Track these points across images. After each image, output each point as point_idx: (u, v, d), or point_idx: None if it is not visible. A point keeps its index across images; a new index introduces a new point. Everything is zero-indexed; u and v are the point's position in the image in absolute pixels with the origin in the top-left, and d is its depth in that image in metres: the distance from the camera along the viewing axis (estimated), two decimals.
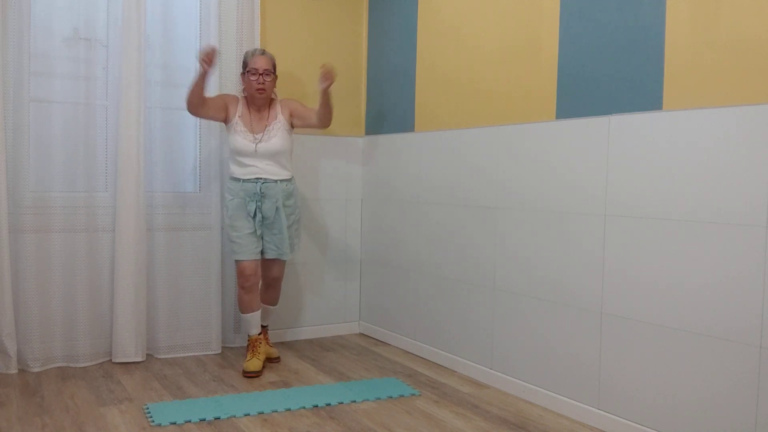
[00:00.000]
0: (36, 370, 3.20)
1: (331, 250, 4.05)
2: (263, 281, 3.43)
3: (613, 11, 2.53)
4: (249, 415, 2.68)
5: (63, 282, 3.26)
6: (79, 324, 3.29)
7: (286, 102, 3.41)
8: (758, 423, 2.09)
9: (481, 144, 3.17)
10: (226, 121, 3.32)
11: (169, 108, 3.49)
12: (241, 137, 3.25)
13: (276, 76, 3.34)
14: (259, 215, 3.25)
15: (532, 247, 2.89)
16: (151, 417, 2.62)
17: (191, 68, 3.60)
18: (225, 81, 3.56)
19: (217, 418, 2.64)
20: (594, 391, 2.63)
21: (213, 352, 3.60)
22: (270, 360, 3.44)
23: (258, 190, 3.23)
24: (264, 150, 3.25)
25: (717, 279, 2.19)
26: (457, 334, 3.35)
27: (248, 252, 3.26)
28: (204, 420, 2.62)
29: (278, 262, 3.40)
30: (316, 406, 2.80)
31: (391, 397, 2.93)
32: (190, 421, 2.60)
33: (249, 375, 3.19)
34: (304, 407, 2.78)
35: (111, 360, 3.38)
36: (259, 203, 3.24)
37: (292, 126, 3.38)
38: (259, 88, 3.24)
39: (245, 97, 3.35)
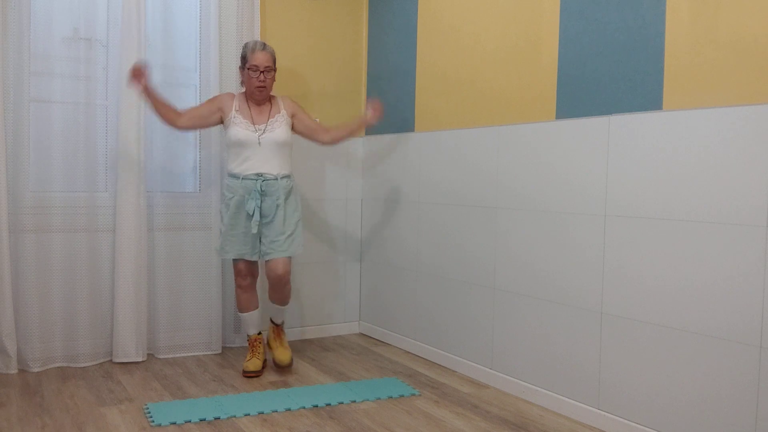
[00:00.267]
0: (36, 370, 3.20)
1: (331, 250, 4.05)
2: (269, 282, 3.21)
3: (613, 11, 2.53)
4: (249, 415, 2.68)
5: (63, 282, 3.26)
6: (79, 324, 3.29)
7: (289, 103, 3.32)
8: (758, 423, 2.09)
9: (481, 144, 3.17)
10: (222, 120, 3.22)
11: None
12: (242, 128, 3.14)
13: (275, 70, 3.23)
14: (257, 214, 3.12)
15: (532, 247, 2.89)
16: (151, 417, 2.62)
17: (191, 68, 3.61)
18: (225, 82, 3.55)
19: (217, 418, 2.64)
20: (594, 391, 2.63)
21: (213, 352, 3.60)
22: (280, 368, 3.27)
23: (258, 188, 3.11)
24: (268, 141, 3.14)
25: (717, 279, 2.19)
26: (457, 334, 3.35)
27: (245, 252, 3.19)
28: (204, 420, 2.62)
29: (282, 261, 3.16)
30: (316, 406, 2.80)
31: (391, 397, 2.93)
32: (190, 421, 2.60)
33: (249, 375, 3.19)
34: (304, 407, 2.78)
35: (111, 360, 3.38)
36: (259, 201, 3.12)
37: (291, 128, 3.31)
38: (260, 86, 3.15)
39: (243, 93, 3.26)
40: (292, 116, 3.31)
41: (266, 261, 3.18)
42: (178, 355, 3.53)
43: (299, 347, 3.78)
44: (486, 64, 3.14)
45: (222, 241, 3.21)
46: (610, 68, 2.55)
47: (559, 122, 2.76)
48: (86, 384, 3.04)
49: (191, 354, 3.56)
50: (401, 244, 3.75)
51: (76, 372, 3.21)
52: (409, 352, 3.69)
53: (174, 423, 2.58)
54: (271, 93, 3.29)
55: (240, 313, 3.34)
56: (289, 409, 2.76)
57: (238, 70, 3.35)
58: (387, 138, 3.88)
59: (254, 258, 3.23)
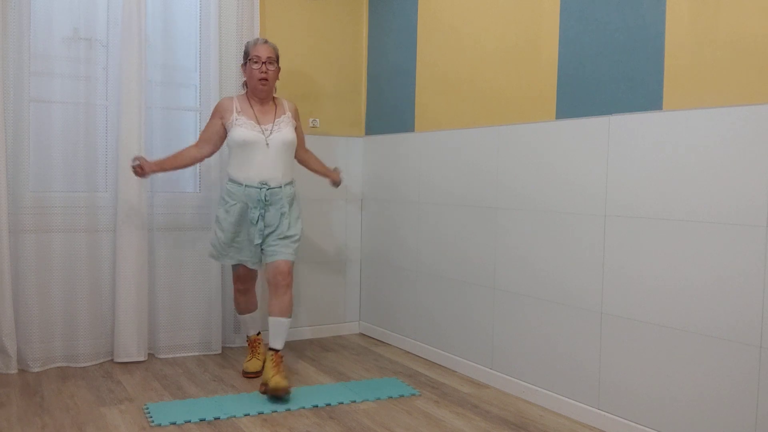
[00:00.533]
0: (36, 370, 3.20)
1: (331, 250, 4.05)
2: (270, 286, 3.01)
3: (613, 11, 2.53)
4: (249, 415, 2.68)
5: (63, 282, 3.26)
6: (79, 324, 3.29)
7: (293, 107, 3.22)
8: (758, 423, 2.09)
9: (481, 144, 3.17)
10: (224, 126, 3.08)
11: (168, 108, 3.49)
12: (247, 129, 2.99)
13: (279, 68, 3.14)
14: (261, 224, 2.99)
15: (532, 247, 2.89)
16: (150, 417, 2.62)
17: (191, 68, 3.61)
18: (225, 82, 3.55)
19: (217, 418, 2.64)
20: (594, 391, 2.63)
21: (213, 352, 3.60)
22: (276, 394, 2.81)
23: (262, 197, 2.97)
24: (276, 141, 3.00)
25: (717, 279, 2.19)
26: (457, 334, 3.35)
27: (246, 260, 3.09)
28: (204, 420, 2.62)
29: (287, 263, 3.00)
30: (316, 406, 2.80)
31: (391, 397, 2.93)
32: (189, 421, 2.60)
33: (249, 375, 3.19)
34: (304, 407, 2.78)
35: (112, 360, 3.38)
36: (262, 211, 2.98)
37: None
38: (262, 77, 3.02)
39: (246, 93, 3.15)
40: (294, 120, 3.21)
41: (267, 263, 3.02)
42: (178, 355, 3.53)
43: (299, 347, 3.78)
44: (486, 64, 3.14)
45: (220, 248, 3.09)
46: (610, 68, 2.55)
47: (559, 122, 2.76)
48: (86, 384, 3.04)
49: (191, 354, 3.56)
50: (401, 244, 3.75)
51: (76, 372, 3.21)
52: (409, 352, 3.69)
53: (174, 423, 2.58)
54: (275, 95, 3.22)
55: (239, 315, 3.33)
56: (289, 409, 2.76)
57: (240, 67, 3.30)
58: (387, 138, 3.88)
59: (255, 266, 3.15)
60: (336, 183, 3.52)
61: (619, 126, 2.50)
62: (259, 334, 3.36)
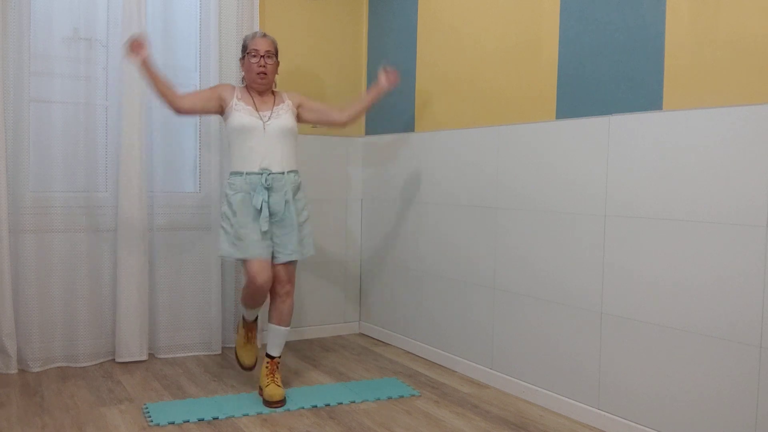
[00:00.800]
0: (36, 370, 3.20)
1: (331, 250, 4.05)
2: (271, 293, 2.91)
3: (613, 11, 2.53)
4: (248, 415, 2.68)
5: (63, 282, 3.26)
6: (79, 324, 3.29)
7: (293, 95, 3.13)
8: (758, 423, 2.09)
9: (482, 144, 3.17)
10: (222, 109, 2.98)
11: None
12: (245, 114, 2.90)
13: (278, 62, 3.04)
14: (265, 210, 2.83)
15: (532, 247, 2.89)
16: (149, 417, 2.62)
17: (191, 68, 3.61)
18: (225, 82, 3.54)
19: (216, 418, 2.64)
20: (594, 391, 2.62)
21: (213, 352, 3.60)
22: (269, 406, 2.80)
23: (264, 182, 2.84)
24: (274, 128, 2.91)
25: (717, 279, 2.19)
26: (457, 334, 3.35)
27: (259, 251, 2.83)
28: (203, 420, 2.62)
29: (289, 267, 2.90)
30: (316, 406, 2.80)
31: (391, 398, 2.93)
32: (188, 421, 2.60)
33: (245, 368, 3.07)
34: (303, 407, 2.78)
35: (113, 359, 3.38)
36: (265, 196, 2.83)
37: (298, 119, 3.10)
38: (261, 71, 2.93)
39: (245, 86, 3.03)
40: (298, 107, 3.09)
41: (273, 266, 2.88)
42: (178, 355, 3.53)
43: (299, 347, 3.78)
44: (486, 64, 3.14)
45: (230, 243, 2.86)
46: (610, 68, 2.54)
47: (559, 122, 2.76)
48: (86, 384, 3.04)
49: (191, 354, 3.56)
50: (401, 244, 3.75)
51: (76, 372, 3.21)
52: (409, 352, 3.69)
53: (173, 423, 2.58)
54: (275, 89, 3.12)
55: (246, 309, 3.06)
56: (289, 410, 2.75)
57: (239, 62, 3.19)
58: (387, 138, 3.88)
59: (269, 257, 2.87)
60: (391, 83, 3.18)
61: (619, 126, 2.50)
62: (256, 319, 3.14)
